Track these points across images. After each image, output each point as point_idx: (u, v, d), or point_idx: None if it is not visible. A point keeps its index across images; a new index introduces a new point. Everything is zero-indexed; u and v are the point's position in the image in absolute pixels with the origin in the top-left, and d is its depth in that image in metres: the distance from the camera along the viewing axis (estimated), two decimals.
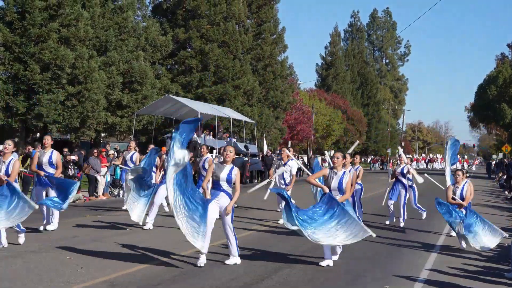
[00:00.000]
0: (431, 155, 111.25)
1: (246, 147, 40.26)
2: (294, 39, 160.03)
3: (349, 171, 13.42)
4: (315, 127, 69.35)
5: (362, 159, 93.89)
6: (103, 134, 39.84)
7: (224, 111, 41.77)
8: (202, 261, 12.14)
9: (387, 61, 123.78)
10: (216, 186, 12.56)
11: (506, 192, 42.18)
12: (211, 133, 40.65)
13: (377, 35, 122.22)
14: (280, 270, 12.11)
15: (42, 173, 15.81)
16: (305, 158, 59.50)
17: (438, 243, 17.20)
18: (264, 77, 53.83)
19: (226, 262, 12.65)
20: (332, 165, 13.47)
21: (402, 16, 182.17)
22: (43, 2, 33.58)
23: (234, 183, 12.88)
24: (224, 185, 12.49)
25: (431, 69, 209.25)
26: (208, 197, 12.49)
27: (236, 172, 12.67)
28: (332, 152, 22.04)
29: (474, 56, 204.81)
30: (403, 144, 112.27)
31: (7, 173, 13.02)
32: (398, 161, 22.03)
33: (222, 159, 13.05)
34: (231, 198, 12.55)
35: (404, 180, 20.35)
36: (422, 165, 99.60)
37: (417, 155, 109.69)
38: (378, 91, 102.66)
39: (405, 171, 20.26)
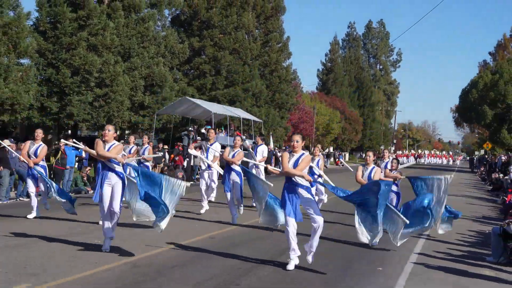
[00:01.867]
0: (419, 151, 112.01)
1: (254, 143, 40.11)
2: (298, 47, 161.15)
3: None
4: (316, 126, 69.84)
5: (358, 155, 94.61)
6: (127, 132, 39.57)
7: (235, 111, 41.92)
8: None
9: (381, 67, 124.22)
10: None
11: (487, 185, 42.22)
12: (224, 131, 40.62)
13: (372, 44, 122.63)
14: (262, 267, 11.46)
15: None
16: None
17: (424, 234, 16.91)
18: (270, 81, 53.92)
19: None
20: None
21: (394, 26, 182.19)
22: (73, 13, 33.53)
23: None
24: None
25: (421, 74, 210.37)
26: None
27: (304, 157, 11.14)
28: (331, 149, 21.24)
29: (459, 63, 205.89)
30: (395, 141, 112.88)
31: (35, 154, 13.47)
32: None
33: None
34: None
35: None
36: (412, 160, 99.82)
37: (407, 151, 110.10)
38: (373, 94, 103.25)
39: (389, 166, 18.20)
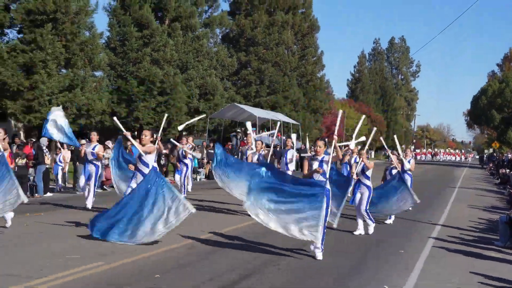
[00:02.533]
0: (435, 150, 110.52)
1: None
2: (330, 60, 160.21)
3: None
4: (346, 128, 69.35)
5: (382, 153, 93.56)
6: (184, 133, 40.02)
7: (276, 115, 41.74)
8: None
9: (402, 77, 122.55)
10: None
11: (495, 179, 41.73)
12: (266, 132, 40.79)
13: (394, 57, 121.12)
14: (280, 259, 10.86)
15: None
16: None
17: (440, 221, 16.98)
18: (306, 89, 53.64)
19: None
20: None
21: (414, 40, 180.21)
22: (139, 32, 34.02)
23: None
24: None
25: (437, 82, 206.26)
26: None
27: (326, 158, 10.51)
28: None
29: (470, 72, 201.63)
30: (414, 141, 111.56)
31: (93, 154, 13.25)
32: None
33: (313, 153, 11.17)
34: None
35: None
36: (429, 157, 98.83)
37: (425, 150, 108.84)
38: (395, 101, 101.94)
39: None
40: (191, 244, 11.42)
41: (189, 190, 22.33)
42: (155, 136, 13.53)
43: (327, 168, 10.27)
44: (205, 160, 31.92)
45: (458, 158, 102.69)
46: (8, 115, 27.99)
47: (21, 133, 34.67)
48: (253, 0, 48.75)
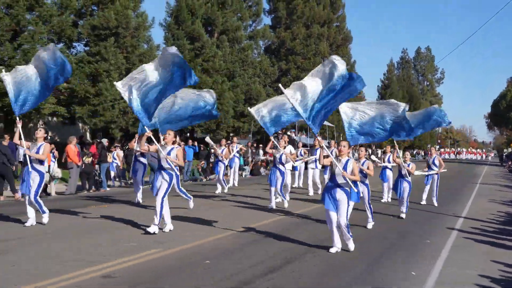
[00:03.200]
0: (458, 149, 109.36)
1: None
2: (362, 67, 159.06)
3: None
4: None
5: (410, 152, 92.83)
6: (231, 134, 40.10)
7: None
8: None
9: (428, 83, 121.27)
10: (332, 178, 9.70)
11: None
12: (305, 134, 40.78)
13: (420, 65, 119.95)
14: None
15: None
16: (370, 151, 60.26)
17: (462, 214, 16.71)
18: None
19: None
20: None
21: (439, 48, 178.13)
22: (191, 45, 34.13)
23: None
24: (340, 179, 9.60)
25: (460, 87, 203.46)
26: None
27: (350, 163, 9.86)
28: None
29: (491, 78, 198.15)
30: (439, 141, 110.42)
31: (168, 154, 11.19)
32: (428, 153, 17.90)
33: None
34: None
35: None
36: (452, 156, 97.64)
37: (448, 149, 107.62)
38: (421, 105, 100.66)
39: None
40: (237, 233, 11.33)
41: (236, 185, 22.21)
42: (177, 140, 13.26)
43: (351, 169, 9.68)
44: (249, 159, 31.90)
45: (479, 157, 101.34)
46: (76, 119, 28.28)
47: (88, 134, 35.06)
48: (292, 15, 48.74)
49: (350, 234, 9.77)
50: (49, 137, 22.06)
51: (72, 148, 19.46)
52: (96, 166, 20.96)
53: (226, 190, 19.98)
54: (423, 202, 18.55)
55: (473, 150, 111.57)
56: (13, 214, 13.23)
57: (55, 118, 30.09)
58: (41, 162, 11.59)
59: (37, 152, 11.44)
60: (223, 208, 15.67)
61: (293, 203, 16.77)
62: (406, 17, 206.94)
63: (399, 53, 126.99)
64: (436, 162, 18.82)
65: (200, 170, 27.90)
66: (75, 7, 27.54)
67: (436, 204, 18.28)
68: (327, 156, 9.91)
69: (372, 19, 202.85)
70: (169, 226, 11.16)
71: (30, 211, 11.40)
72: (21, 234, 10.64)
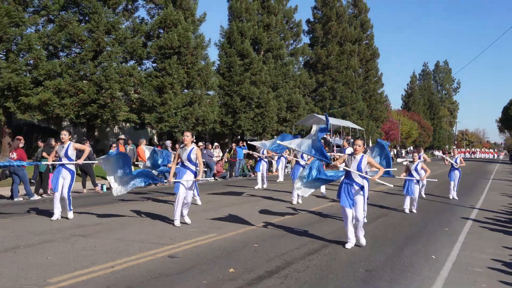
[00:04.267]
0: (473, 149, 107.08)
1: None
2: (388, 78, 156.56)
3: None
4: (401, 132, 68.25)
5: (430, 152, 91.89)
6: (275, 137, 40.05)
7: (345, 123, 41.59)
8: None
9: (445, 92, 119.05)
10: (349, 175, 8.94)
11: None
12: (338, 136, 40.49)
13: (439, 77, 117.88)
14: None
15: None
16: (395, 151, 59.62)
17: (477, 205, 16.35)
18: (369, 103, 52.96)
19: None
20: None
21: (456, 60, 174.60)
22: (241, 61, 34.19)
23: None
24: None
25: (474, 94, 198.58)
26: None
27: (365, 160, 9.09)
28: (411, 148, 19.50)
29: (502, 86, 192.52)
30: (456, 142, 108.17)
31: (189, 157, 10.26)
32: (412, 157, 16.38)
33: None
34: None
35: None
36: (467, 155, 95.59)
37: (464, 149, 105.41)
38: (440, 111, 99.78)
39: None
40: (281, 220, 11.21)
41: (282, 180, 22.17)
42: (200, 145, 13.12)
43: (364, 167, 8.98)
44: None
45: (491, 156, 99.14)
46: (145, 124, 28.64)
47: (155, 137, 35.50)
48: (327, 35, 48.41)
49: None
50: (123, 139, 22.34)
51: (142, 148, 19.75)
52: None
53: (265, 186, 19.90)
54: (454, 197, 18.27)
55: (486, 150, 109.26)
56: (93, 204, 13.50)
57: (128, 124, 30.54)
58: (70, 161, 11.02)
59: (66, 151, 10.93)
60: (261, 201, 15.67)
61: (313, 200, 16.65)
62: (427, 33, 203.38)
63: (421, 66, 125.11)
64: (458, 161, 18.55)
65: (249, 167, 27.96)
66: (145, 31, 27.94)
67: (456, 198, 18.05)
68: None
69: (397, 37, 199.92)
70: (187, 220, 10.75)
71: (57, 207, 10.82)
72: (98, 221, 10.84)
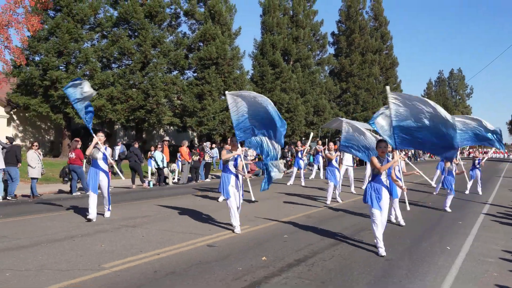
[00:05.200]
0: (485, 150, 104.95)
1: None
2: (406, 85, 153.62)
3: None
4: None
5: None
6: (303, 138, 39.90)
7: (367, 125, 41.23)
8: None
9: (459, 97, 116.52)
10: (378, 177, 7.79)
11: None
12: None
13: (453, 83, 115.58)
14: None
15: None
16: (412, 151, 58.54)
17: (489, 201, 15.96)
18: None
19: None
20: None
21: (469, 69, 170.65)
22: (272, 70, 34.11)
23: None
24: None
25: (486, 99, 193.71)
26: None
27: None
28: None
29: (511, 92, 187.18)
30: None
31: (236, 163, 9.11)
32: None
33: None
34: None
35: None
36: (481, 155, 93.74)
37: (476, 150, 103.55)
38: (454, 114, 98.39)
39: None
40: (306, 215, 11.10)
41: (313, 177, 22.02)
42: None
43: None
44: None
45: (502, 156, 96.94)
46: (187, 127, 28.89)
47: (195, 139, 35.76)
48: (351, 46, 48.01)
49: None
50: (167, 141, 22.56)
51: (184, 149, 19.95)
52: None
53: (291, 183, 19.76)
54: (479, 192, 18.25)
55: (497, 150, 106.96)
56: (140, 199, 13.68)
57: (171, 127, 30.85)
58: (106, 162, 10.22)
59: (104, 153, 10.12)
60: (290, 197, 15.59)
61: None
62: (442, 44, 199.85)
63: (436, 74, 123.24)
64: (482, 163, 18.80)
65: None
66: (187, 44, 28.20)
67: (480, 193, 18.08)
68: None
69: (415, 47, 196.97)
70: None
71: (93, 206, 9.82)
72: (145, 214, 10.91)
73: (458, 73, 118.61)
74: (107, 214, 10.37)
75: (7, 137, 14.69)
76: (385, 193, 7.73)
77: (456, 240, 9.22)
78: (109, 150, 10.91)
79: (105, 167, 10.17)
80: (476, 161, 18.90)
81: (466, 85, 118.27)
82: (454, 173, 13.36)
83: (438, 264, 7.31)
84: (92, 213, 9.78)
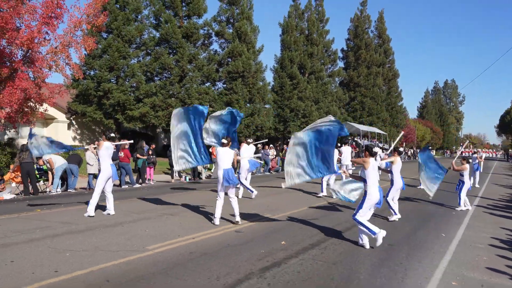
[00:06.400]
0: (475, 149, 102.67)
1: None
2: (407, 94, 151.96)
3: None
4: (416, 136, 66.14)
5: (440, 151, 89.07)
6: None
7: (372, 129, 40.97)
8: None
9: (453, 104, 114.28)
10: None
11: None
12: (366, 139, 39.72)
13: (448, 92, 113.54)
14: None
15: None
16: (412, 151, 57.77)
17: (479, 194, 15.63)
18: (391, 113, 51.57)
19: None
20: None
21: (461, 79, 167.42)
22: (290, 81, 33.98)
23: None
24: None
25: (477, 106, 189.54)
26: None
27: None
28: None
29: (500, 98, 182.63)
30: (462, 144, 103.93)
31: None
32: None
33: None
34: None
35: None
36: (471, 154, 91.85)
37: (468, 150, 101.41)
38: (448, 119, 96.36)
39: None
40: (308, 208, 10.92)
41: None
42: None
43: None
44: None
45: (491, 155, 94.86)
46: None
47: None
48: (358, 60, 47.62)
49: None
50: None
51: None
52: None
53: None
54: (476, 185, 18.78)
55: (487, 150, 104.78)
56: (178, 191, 13.77)
57: None
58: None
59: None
60: (305, 190, 15.53)
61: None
62: (437, 58, 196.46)
63: (433, 84, 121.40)
64: (481, 165, 20.03)
65: None
66: (217, 60, 28.32)
67: (478, 186, 18.61)
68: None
69: (414, 60, 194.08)
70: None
71: (111, 201, 9.19)
72: (182, 204, 10.91)
73: (451, 83, 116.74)
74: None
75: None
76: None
77: (450, 228, 9.09)
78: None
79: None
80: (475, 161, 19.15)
81: (459, 94, 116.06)
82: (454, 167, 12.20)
83: (434, 249, 7.22)
84: (109, 209, 9.17)
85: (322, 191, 13.47)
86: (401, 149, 11.18)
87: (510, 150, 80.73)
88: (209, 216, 9.26)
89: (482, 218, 10.70)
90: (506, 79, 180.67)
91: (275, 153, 26.72)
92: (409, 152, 55.55)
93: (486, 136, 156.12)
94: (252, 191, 12.19)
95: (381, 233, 6.80)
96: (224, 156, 8.25)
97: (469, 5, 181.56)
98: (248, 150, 12.67)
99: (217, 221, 8.33)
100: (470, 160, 12.04)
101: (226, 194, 8.51)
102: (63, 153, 14.83)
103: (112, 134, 9.21)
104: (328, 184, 13.21)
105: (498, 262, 6.64)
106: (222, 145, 8.37)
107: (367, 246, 6.98)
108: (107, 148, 8.97)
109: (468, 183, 11.82)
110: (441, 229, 8.97)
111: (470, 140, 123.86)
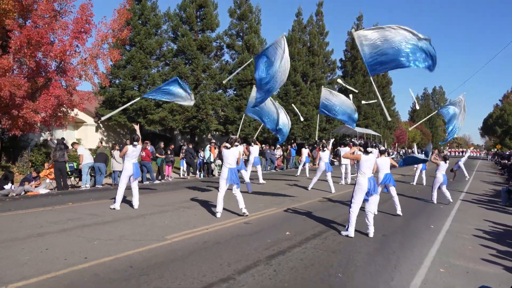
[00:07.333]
0: (460, 149, 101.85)
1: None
2: (399, 100, 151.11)
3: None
4: (408, 137, 65.74)
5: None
6: (317, 141, 39.51)
7: (367, 131, 40.64)
8: None
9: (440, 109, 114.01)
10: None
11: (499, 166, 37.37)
12: (362, 140, 39.48)
13: (436, 97, 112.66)
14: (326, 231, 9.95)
15: None
16: (403, 150, 57.37)
17: (464, 190, 15.42)
18: (384, 117, 51.27)
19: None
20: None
21: (448, 86, 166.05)
22: (293, 88, 33.82)
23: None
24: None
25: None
26: None
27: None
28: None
29: (482, 102, 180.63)
30: (448, 144, 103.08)
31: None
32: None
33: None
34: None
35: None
36: (457, 154, 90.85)
37: (454, 149, 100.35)
38: (436, 122, 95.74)
39: None
40: (312, 202, 10.85)
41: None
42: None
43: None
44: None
45: (475, 154, 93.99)
46: (229, 132, 28.99)
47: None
48: (355, 69, 47.33)
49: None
50: (214, 142, 22.68)
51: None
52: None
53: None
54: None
55: (471, 149, 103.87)
56: (193, 186, 13.77)
57: (217, 132, 31.04)
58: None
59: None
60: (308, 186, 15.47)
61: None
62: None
63: (422, 90, 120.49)
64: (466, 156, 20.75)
65: (299, 161, 27.60)
66: (228, 69, 28.34)
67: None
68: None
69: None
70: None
71: (136, 196, 9.13)
72: (197, 198, 10.88)
73: (439, 89, 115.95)
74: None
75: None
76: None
77: (438, 220, 9.02)
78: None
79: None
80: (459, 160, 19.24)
81: (446, 99, 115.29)
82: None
83: (424, 239, 7.18)
84: (117, 202, 8.98)
85: (331, 191, 13.05)
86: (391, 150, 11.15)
87: (492, 150, 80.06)
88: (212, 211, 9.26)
89: (468, 211, 10.61)
90: (489, 86, 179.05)
91: (281, 153, 26.72)
92: (401, 152, 55.15)
93: (470, 137, 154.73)
94: (250, 189, 12.24)
95: (348, 234, 6.99)
96: (229, 156, 8.23)
97: (457, 17, 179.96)
98: (254, 149, 14.52)
99: (219, 214, 8.21)
100: (447, 161, 11.85)
101: (229, 189, 8.53)
102: (91, 152, 14.93)
103: (135, 142, 8.98)
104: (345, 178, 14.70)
105: (482, 251, 6.62)
106: (226, 148, 8.31)
107: (371, 235, 7.11)
108: (132, 150, 8.96)
109: (439, 178, 11.57)
110: (431, 221, 8.90)
111: (456, 140, 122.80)
